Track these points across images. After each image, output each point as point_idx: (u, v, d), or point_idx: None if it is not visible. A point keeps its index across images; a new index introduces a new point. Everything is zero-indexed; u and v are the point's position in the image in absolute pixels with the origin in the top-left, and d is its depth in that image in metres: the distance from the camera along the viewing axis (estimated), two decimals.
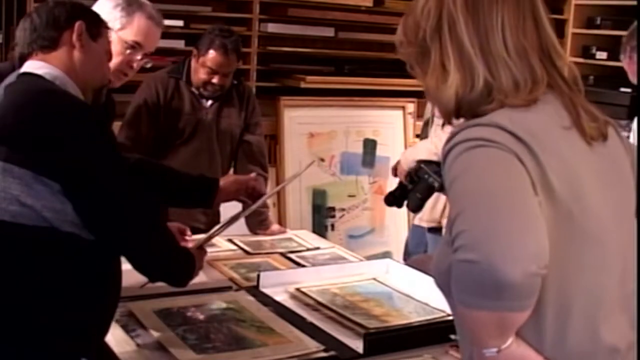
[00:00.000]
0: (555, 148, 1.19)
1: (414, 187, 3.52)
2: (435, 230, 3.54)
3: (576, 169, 1.20)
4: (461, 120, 1.27)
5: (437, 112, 3.59)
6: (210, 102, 3.14)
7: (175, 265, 1.73)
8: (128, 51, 2.25)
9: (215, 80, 3.06)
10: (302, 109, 4.72)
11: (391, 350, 1.85)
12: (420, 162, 3.51)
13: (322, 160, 4.82)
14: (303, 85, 4.58)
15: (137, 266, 1.64)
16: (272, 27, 4.55)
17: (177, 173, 2.31)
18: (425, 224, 3.54)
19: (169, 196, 2.22)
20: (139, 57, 2.30)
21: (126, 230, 1.58)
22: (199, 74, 3.06)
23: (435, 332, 1.94)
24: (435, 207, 3.46)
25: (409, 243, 3.80)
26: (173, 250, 1.71)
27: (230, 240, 2.81)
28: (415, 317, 2.08)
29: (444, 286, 1.21)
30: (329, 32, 4.73)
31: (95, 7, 2.20)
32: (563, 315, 1.18)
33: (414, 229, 3.74)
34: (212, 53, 3.03)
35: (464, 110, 1.25)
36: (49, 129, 1.49)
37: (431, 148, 3.53)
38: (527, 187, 1.14)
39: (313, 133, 4.77)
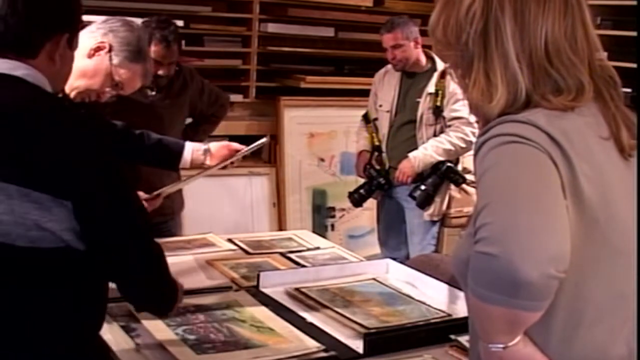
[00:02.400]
0: (589, 154, 1.17)
1: (423, 186, 3.62)
2: (442, 221, 3.84)
3: (608, 177, 1.18)
4: None
5: (426, 113, 3.63)
6: (154, 90, 3.15)
7: (163, 297, 1.68)
8: (108, 88, 2.23)
9: (161, 71, 3.08)
10: (302, 109, 4.73)
11: (391, 350, 1.84)
12: (441, 162, 3.60)
13: (322, 160, 4.83)
14: (303, 85, 4.58)
15: (126, 289, 1.60)
16: (272, 27, 4.56)
17: (149, 140, 2.58)
18: (436, 218, 3.76)
19: (144, 159, 2.59)
20: (111, 94, 2.27)
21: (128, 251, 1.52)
22: None
23: (435, 332, 1.94)
24: (444, 201, 3.75)
25: (413, 238, 3.83)
26: (165, 281, 1.66)
27: (230, 240, 2.81)
28: (415, 317, 2.08)
29: (462, 276, 1.20)
30: (329, 32, 4.73)
31: (111, 24, 2.20)
32: (574, 321, 1.17)
33: (418, 225, 3.77)
34: (154, 46, 3.04)
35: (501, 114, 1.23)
36: (56, 148, 1.40)
37: (450, 149, 3.58)
38: (557, 188, 1.12)
39: (313, 133, 4.78)
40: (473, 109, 1.26)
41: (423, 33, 3.92)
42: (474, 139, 3.62)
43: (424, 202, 3.67)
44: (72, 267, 1.47)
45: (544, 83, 1.19)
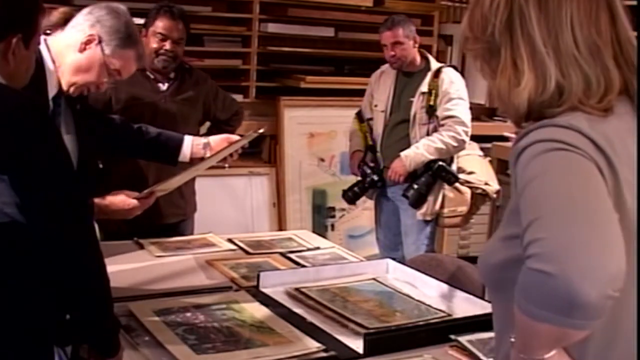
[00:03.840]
0: (630, 160, 1.12)
1: (416, 185, 3.62)
2: (435, 221, 3.80)
3: None
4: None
5: (419, 112, 3.63)
6: (166, 85, 3.15)
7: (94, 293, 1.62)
8: (105, 78, 2.24)
9: (167, 46, 3.08)
10: (302, 109, 4.73)
11: (391, 350, 1.84)
12: (433, 161, 3.60)
13: (322, 160, 4.82)
14: (303, 85, 4.58)
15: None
16: (272, 27, 4.56)
17: (147, 135, 2.61)
18: (429, 218, 3.73)
19: (143, 153, 2.67)
20: (109, 82, 2.29)
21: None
22: (151, 45, 3.08)
23: (435, 332, 1.94)
24: (437, 201, 3.71)
25: (407, 238, 3.83)
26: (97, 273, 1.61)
27: (230, 240, 2.81)
28: (415, 317, 2.08)
29: (492, 281, 1.16)
30: (329, 32, 4.73)
31: (96, 13, 2.18)
32: (611, 332, 1.14)
33: (412, 225, 3.77)
34: (160, 20, 3.08)
35: (534, 113, 1.18)
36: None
37: (442, 148, 3.58)
38: (608, 200, 1.07)
39: (313, 133, 4.77)
40: (501, 101, 1.22)
41: (423, 33, 3.92)
42: (466, 138, 3.62)
43: (417, 202, 3.68)
44: (20, 244, 1.48)
45: (574, 72, 1.15)
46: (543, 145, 1.10)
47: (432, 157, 3.61)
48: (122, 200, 2.29)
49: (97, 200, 2.28)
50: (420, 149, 3.62)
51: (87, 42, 2.17)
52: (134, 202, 2.30)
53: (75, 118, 2.24)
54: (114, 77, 2.24)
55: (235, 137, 2.61)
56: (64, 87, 2.16)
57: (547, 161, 1.10)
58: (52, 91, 2.12)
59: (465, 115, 3.62)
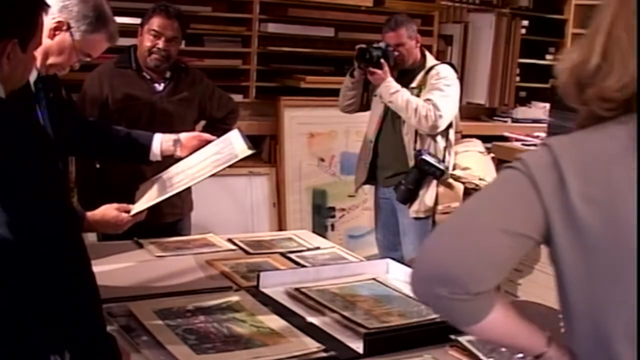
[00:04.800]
0: (607, 179, 1.08)
1: (404, 181, 3.62)
2: (432, 220, 3.75)
3: (626, 203, 1.07)
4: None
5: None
6: (162, 85, 3.17)
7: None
8: (77, 62, 2.24)
9: (160, 44, 3.09)
10: (302, 109, 4.73)
11: (391, 350, 1.85)
12: (416, 155, 3.59)
13: (322, 160, 4.83)
14: (303, 85, 4.58)
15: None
16: (272, 27, 4.56)
17: (117, 134, 2.64)
18: (422, 215, 3.70)
19: (114, 153, 2.67)
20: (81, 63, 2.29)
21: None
22: (145, 43, 3.10)
23: (435, 332, 1.94)
24: (428, 196, 3.68)
25: (405, 238, 3.82)
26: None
27: (230, 240, 2.81)
28: (415, 317, 2.08)
29: None
30: (329, 32, 4.73)
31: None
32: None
33: (409, 225, 3.76)
34: (155, 17, 3.10)
35: (580, 87, 1.15)
36: None
37: (412, 103, 3.56)
38: (511, 216, 1.13)
39: (313, 133, 4.78)
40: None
41: (423, 33, 3.93)
42: (434, 119, 3.54)
43: (406, 198, 3.67)
44: (10, 261, 1.45)
45: (617, 56, 1.12)
46: (507, 164, 1.19)
47: (399, 101, 3.56)
48: (115, 216, 2.29)
49: (89, 214, 2.28)
50: (399, 88, 3.60)
51: (56, 29, 2.15)
52: (126, 216, 2.30)
53: (49, 106, 2.24)
54: (86, 58, 2.25)
55: (206, 135, 2.60)
56: (39, 68, 2.16)
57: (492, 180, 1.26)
58: (32, 76, 2.12)
59: (442, 103, 3.58)
